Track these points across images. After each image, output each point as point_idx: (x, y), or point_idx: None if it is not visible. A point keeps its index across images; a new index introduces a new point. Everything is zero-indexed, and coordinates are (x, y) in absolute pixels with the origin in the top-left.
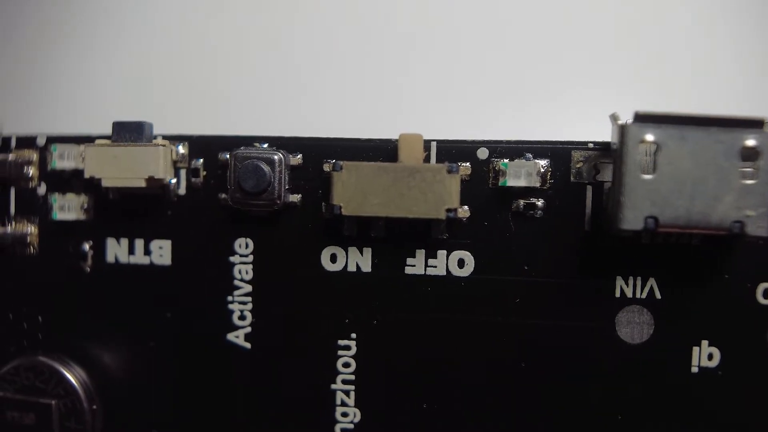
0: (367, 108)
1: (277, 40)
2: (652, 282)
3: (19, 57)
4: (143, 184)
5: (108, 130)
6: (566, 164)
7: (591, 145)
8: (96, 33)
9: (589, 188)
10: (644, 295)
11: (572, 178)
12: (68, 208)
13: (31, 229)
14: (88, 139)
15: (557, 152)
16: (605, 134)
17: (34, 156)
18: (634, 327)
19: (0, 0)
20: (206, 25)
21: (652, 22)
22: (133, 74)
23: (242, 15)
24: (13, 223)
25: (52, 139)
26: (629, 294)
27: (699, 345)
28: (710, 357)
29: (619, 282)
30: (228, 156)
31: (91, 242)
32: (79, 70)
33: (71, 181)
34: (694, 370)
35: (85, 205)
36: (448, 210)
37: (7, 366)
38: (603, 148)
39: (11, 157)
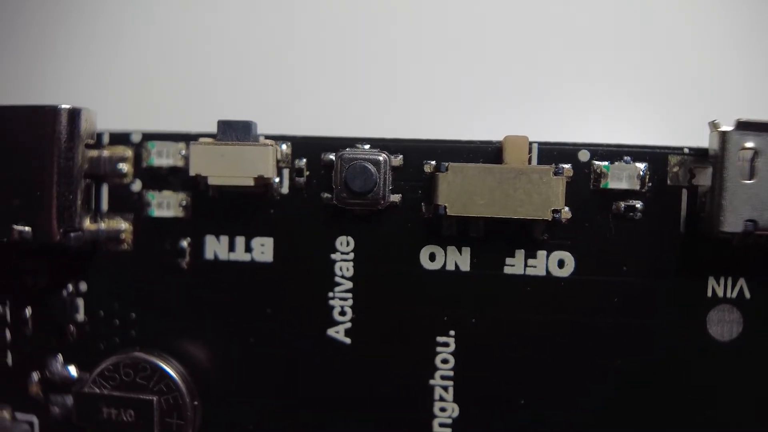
0: (465, 109)
1: (373, 42)
2: (742, 282)
3: (108, 55)
4: (251, 183)
5: (198, 127)
6: (663, 168)
7: (686, 150)
8: (176, 34)
9: (685, 192)
10: (734, 295)
11: (669, 182)
12: (166, 205)
13: (124, 226)
14: (185, 137)
15: (655, 156)
16: (694, 139)
17: (129, 152)
18: (724, 325)
19: None
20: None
21: (746, 28)
22: (228, 74)
23: (334, 18)
24: (106, 219)
25: (147, 136)
26: (720, 293)
27: None
28: None
29: (711, 282)
30: (333, 157)
31: (189, 239)
32: (173, 69)
33: (168, 178)
34: None
35: (184, 203)
36: (554, 211)
37: (105, 363)
38: (698, 153)
39: (105, 153)
